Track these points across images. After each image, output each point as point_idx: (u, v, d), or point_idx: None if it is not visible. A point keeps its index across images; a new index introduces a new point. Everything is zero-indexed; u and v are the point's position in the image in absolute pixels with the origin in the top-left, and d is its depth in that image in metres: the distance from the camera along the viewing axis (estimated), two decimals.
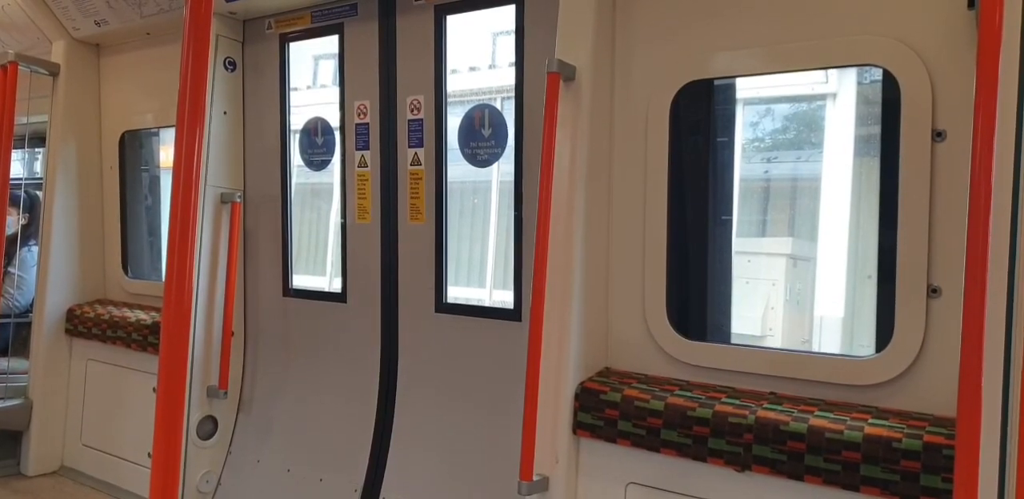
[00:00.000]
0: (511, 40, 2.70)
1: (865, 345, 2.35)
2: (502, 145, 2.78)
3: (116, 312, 3.81)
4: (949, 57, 1.84)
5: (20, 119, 3.68)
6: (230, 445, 3.55)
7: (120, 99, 4.04)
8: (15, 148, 3.74)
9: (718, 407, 2.00)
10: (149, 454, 3.19)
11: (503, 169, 2.86)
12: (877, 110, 2.06)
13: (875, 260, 2.04)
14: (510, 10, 2.69)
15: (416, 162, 2.98)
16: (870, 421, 1.83)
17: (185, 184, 1.29)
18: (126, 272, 4.07)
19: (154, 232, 4.21)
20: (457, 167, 2.92)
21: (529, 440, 2.14)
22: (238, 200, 3.43)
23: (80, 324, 3.90)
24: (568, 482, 2.24)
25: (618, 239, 2.35)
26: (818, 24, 2.02)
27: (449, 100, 2.91)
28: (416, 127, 2.97)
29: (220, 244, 3.40)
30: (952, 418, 1.64)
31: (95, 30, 3.82)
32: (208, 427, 3.47)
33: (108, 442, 3.84)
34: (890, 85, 1.92)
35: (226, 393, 3.40)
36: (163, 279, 1.32)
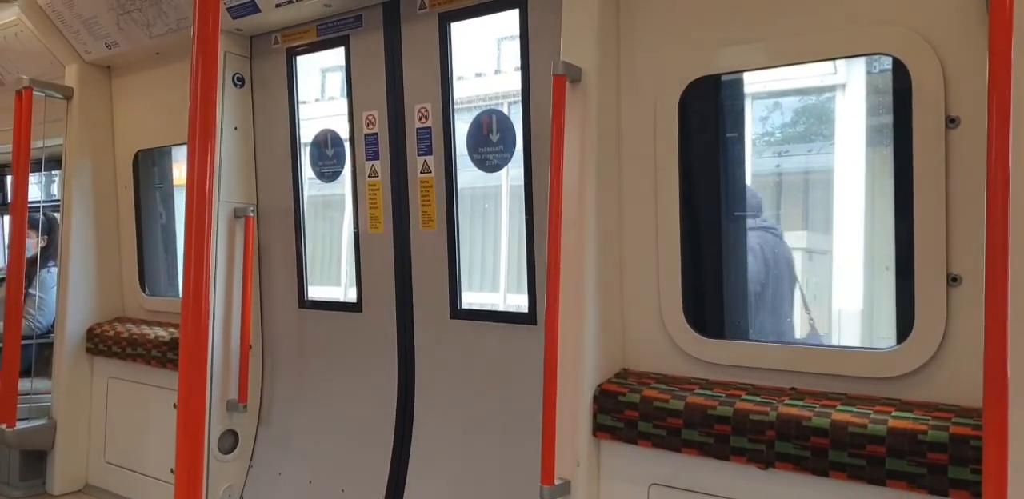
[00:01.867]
0: (516, 45, 2.71)
1: (886, 337, 2.32)
2: (511, 149, 2.78)
3: (135, 329, 3.84)
4: (959, 42, 1.81)
5: (36, 143, 3.73)
6: (251, 458, 3.56)
7: (133, 119, 4.09)
8: (32, 171, 3.79)
9: (739, 405, 1.97)
10: (172, 470, 3.21)
11: (512, 173, 2.86)
12: (888, 99, 2.03)
13: (892, 251, 2.01)
14: (514, 15, 2.70)
15: (426, 170, 2.98)
16: (894, 414, 1.80)
17: (199, 200, 1.30)
18: (144, 289, 4.11)
19: (170, 249, 4.25)
20: (467, 173, 2.93)
21: (549, 444, 2.13)
22: (251, 214, 3.46)
23: (100, 342, 3.94)
24: (590, 485, 2.22)
25: (631, 239, 2.34)
26: (823, 15, 2.00)
27: (456, 106, 2.92)
28: (425, 135, 2.98)
29: (235, 258, 3.42)
30: (978, 408, 1.61)
31: (106, 52, 3.88)
32: (229, 441, 3.48)
33: (131, 459, 3.87)
34: (900, 73, 1.90)
35: (246, 406, 3.41)
36: (180, 295, 1.33)
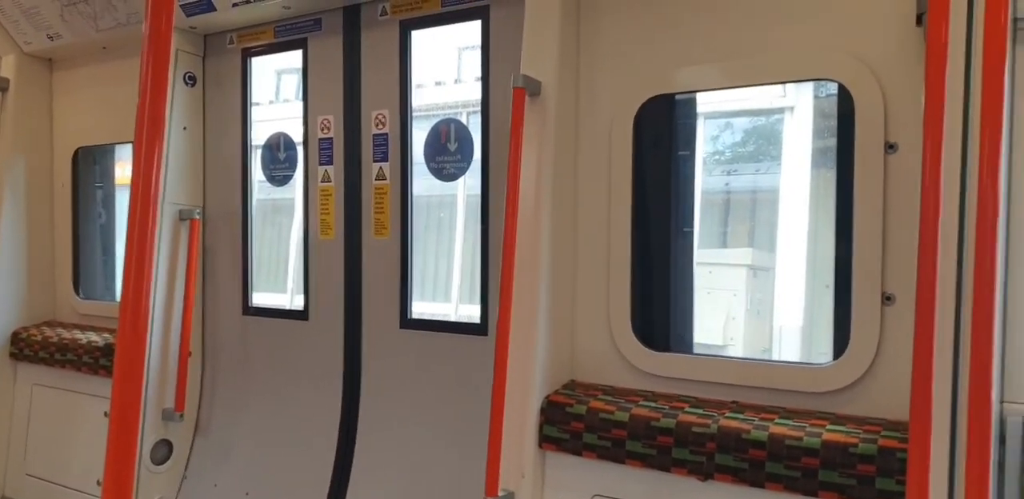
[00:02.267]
0: (477, 55, 2.72)
1: (823, 352, 2.40)
2: (468, 159, 2.79)
3: (66, 334, 3.69)
4: (900, 72, 1.90)
5: None
6: (185, 469, 3.45)
7: (74, 115, 3.96)
8: None
9: (681, 417, 2.01)
10: (98, 482, 3.09)
11: (469, 183, 2.87)
12: (833, 123, 2.12)
13: (832, 269, 2.09)
14: (476, 26, 2.71)
15: (381, 176, 2.97)
16: (828, 427, 1.86)
17: (143, 201, 1.26)
18: (78, 292, 3.95)
19: (108, 251, 4.11)
20: (423, 181, 2.92)
21: (495, 455, 2.13)
22: (197, 217, 3.38)
23: (26, 347, 3.76)
24: (534, 497, 2.23)
25: (583, 252, 2.37)
26: (775, 40, 2.08)
27: (415, 114, 2.92)
28: (381, 141, 2.96)
29: (178, 262, 3.33)
30: (905, 422, 1.68)
31: (48, 44, 3.74)
32: (162, 451, 3.37)
33: (54, 471, 3.69)
34: (845, 99, 1.99)
35: (182, 415, 3.31)
36: (117, 299, 1.29)
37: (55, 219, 4.02)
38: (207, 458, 3.44)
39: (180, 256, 3.34)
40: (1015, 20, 1.76)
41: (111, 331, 3.58)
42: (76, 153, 3.95)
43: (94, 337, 3.59)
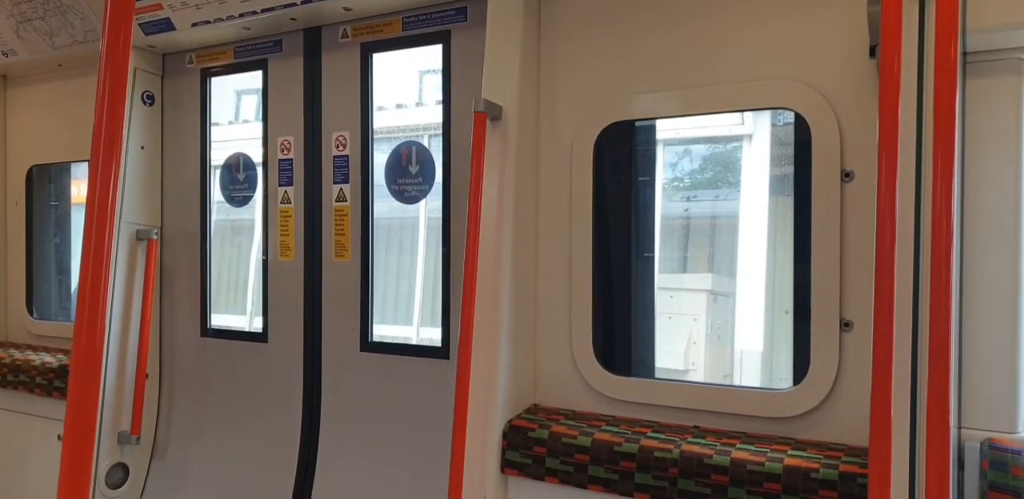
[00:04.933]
0: (438, 78, 2.73)
1: (784, 378, 2.43)
2: (430, 182, 2.79)
3: (18, 355, 3.59)
4: (854, 102, 1.95)
5: None
6: (142, 494, 3.37)
7: (29, 132, 3.88)
8: None
9: (644, 442, 2.01)
10: None
11: (431, 205, 2.86)
12: (790, 151, 2.16)
13: (791, 295, 2.12)
14: (437, 50, 2.73)
15: (341, 198, 2.95)
16: (789, 452, 1.87)
17: (99, 220, 1.23)
18: (31, 312, 3.86)
19: (64, 270, 4.02)
20: (384, 203, 2.91)
21: (457, 480, 2.10)
22: (155, 237, 3.32)
23: None
24: None
25: (545, 276, 2.37)
26: (733, 69, 2.12)
27: (376, 137, 2.91)
28: (341, 163, 2.95)
29: (135, 282, 3.27)
30: (865, 447, 1.70)
31: (2, 60, 3.68)
32: (118, 475, 3.28)
33: (6, 495, 3.59)
34: (801, 127, 2.03)
35: (139, 438, 3.24)
36: (72, 319, 1.25)
37: (8, 238, 3.94)
38: (164, 482, 3.35)
39: (137, 276, 3.28)
40: (964, 54, 1.83)
41: (65, 352, 3.51)
42: (30, 171, 3.87)
43: (48, 358, 3.50)
